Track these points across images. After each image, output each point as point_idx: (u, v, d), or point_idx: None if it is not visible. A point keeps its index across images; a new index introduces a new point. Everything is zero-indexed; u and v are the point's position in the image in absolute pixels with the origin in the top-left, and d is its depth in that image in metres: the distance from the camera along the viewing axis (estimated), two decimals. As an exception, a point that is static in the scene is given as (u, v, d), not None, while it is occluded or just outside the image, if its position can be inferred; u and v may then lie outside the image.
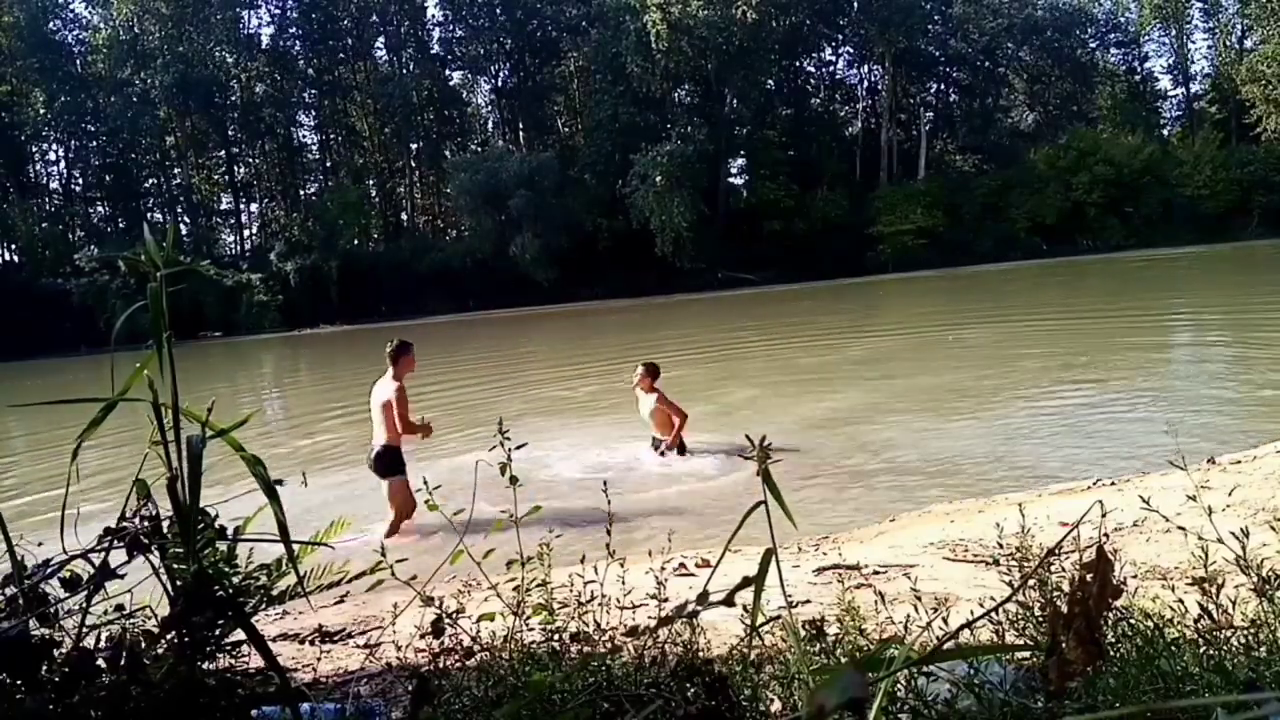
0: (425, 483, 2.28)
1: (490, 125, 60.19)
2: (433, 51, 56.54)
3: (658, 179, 44.72)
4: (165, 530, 1.44)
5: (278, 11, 54.81)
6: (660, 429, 8.23)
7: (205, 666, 1.42)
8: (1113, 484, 5.70)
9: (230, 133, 53.46)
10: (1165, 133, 58.12)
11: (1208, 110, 56.42)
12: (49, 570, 1.41)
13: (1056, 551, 1.73)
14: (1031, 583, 2.02)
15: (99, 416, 1.45)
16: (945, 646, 1.23)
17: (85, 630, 1.41)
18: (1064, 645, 0.92)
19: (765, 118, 54.09)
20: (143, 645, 1.39)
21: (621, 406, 11.40)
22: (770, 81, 54.65)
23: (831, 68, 59.87)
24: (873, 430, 8.73)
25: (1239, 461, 5.62)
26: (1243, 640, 1.78)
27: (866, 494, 6.65)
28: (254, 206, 56.59)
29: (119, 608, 1.50)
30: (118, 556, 1.41)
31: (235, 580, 1.57)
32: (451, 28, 57.08)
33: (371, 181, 55.86)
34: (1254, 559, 1.83)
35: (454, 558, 2.07)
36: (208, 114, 51.38)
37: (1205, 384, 10.08)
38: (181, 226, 49.91)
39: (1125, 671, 1.65)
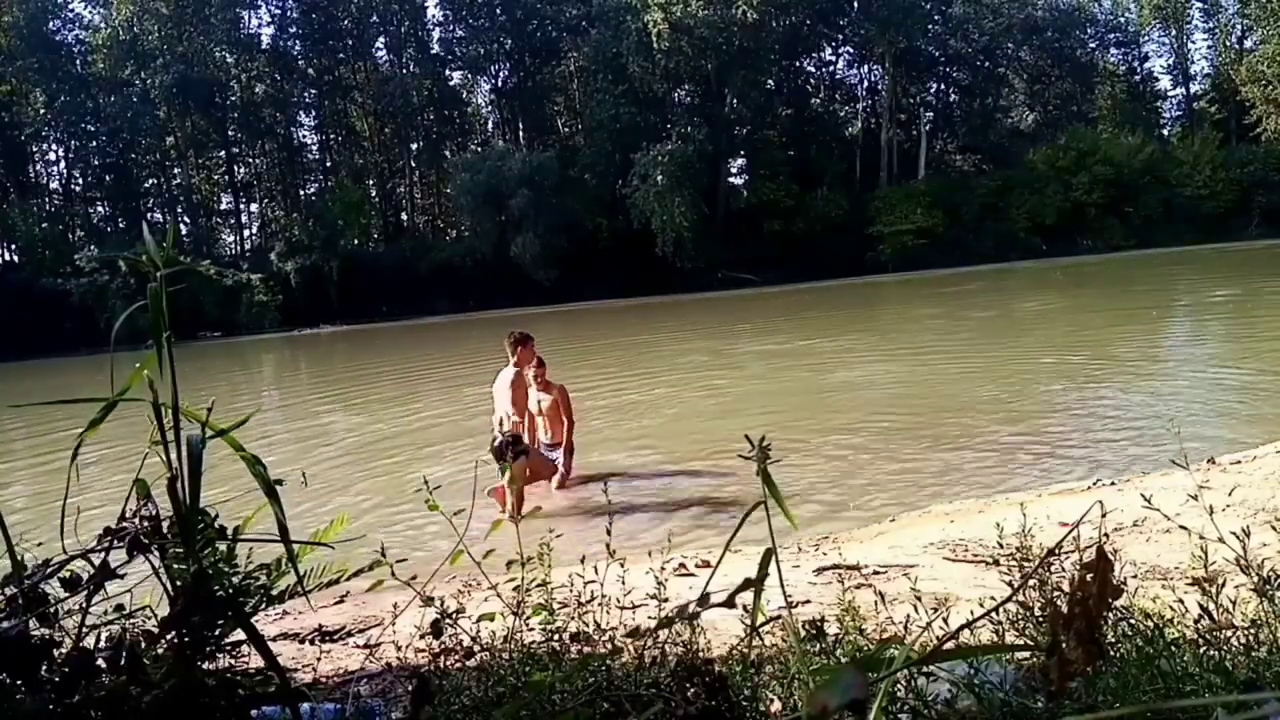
0: (425, 483, 2.27)
1: (490, 125, 60.17)
2: (433, 51, 56.50)
3: (658, 179, 44.69)
4: (165, 530, 1.44)
5: (278, 11, 54.83)
6: (553, 424, 7.56)
7: (205, 666, 1.42)
8: (1113, 484, 5.71)
9: (230, 133, 53.41)
10: (1165, 133, 58.18)
11: (1207, 110, 56.48)
12: (49, 570, 1.41)
13: (1056, 551, 1.73)
14: (1031, 583, 2.02)
15: (99, 416, 1.45)
16: (945, 646, 1.23)
17: (85, 630, 1.41)
18: (1064, 645, 0.92)
19: (765, 118, 54.07)
20: (143, 645, 1.39)
21: (624, 406, 11.42)
22: (770, 81, 54.63)
23: (831, 68, 59.90)
24: (874, 428, 8.73)
25: (1239, 461, 5.63)
26: (1243, 640, 1.78)
27: (866, 493, 6.64)
28: (254, 206, 56.67)
29: (119, 608, 1.50)
30: (118, 556, 1.41)
31: (235, 580, 1.57)
32: (451, 28, 57.07)
33: (371, 181, 55.80)
34: (1254, 559, 1.83)
35: (454, 558, 2.07)
36: (208, 114, 51.35)
37: (1205, 383, 10.07)
38: (181, 226, 49.84)
39: (1125, 671, 1.65)
